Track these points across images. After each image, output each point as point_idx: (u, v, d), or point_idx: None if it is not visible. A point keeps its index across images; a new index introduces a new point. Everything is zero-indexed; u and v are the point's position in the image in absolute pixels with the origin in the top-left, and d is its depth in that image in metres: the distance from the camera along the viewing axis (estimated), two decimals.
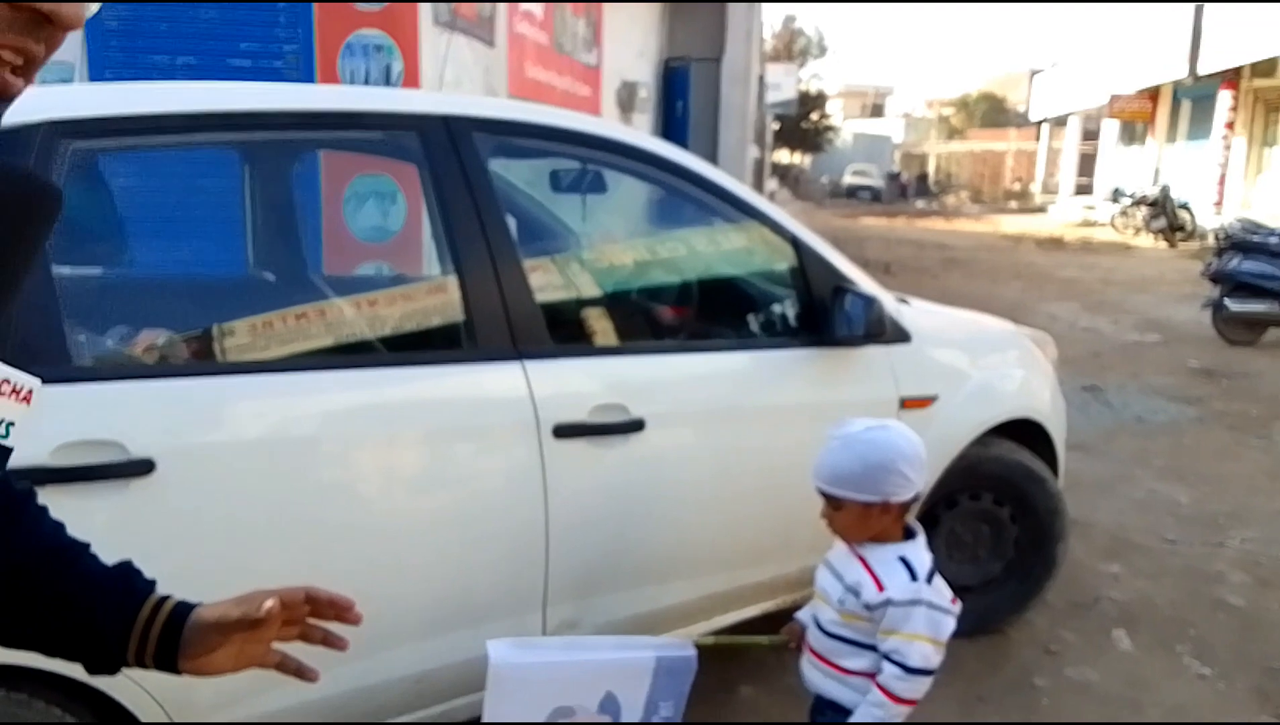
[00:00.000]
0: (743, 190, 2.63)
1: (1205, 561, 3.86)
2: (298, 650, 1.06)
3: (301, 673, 1.07)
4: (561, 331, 2.33)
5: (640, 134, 2.52)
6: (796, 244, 2.62)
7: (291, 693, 1.89)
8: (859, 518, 1.80)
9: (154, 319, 2.14)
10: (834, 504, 1.83)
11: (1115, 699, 2.87)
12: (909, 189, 38.47)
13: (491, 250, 2.17)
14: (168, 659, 1.00)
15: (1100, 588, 3.60)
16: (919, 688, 1.75)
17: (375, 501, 1.98)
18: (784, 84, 21.31)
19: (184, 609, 1.02)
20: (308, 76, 4.63)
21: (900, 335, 2.78)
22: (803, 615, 2.01)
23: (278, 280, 2.99)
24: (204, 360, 2.03)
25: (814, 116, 39.48)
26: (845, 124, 48.22)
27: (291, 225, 3.18)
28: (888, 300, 2.72)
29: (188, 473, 1.74)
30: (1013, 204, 33.06)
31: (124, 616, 1.00)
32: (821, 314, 2.59)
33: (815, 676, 1.90)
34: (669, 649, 1.82)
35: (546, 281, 2.52)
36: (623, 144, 2.47)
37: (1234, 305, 8.26)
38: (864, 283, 2.68)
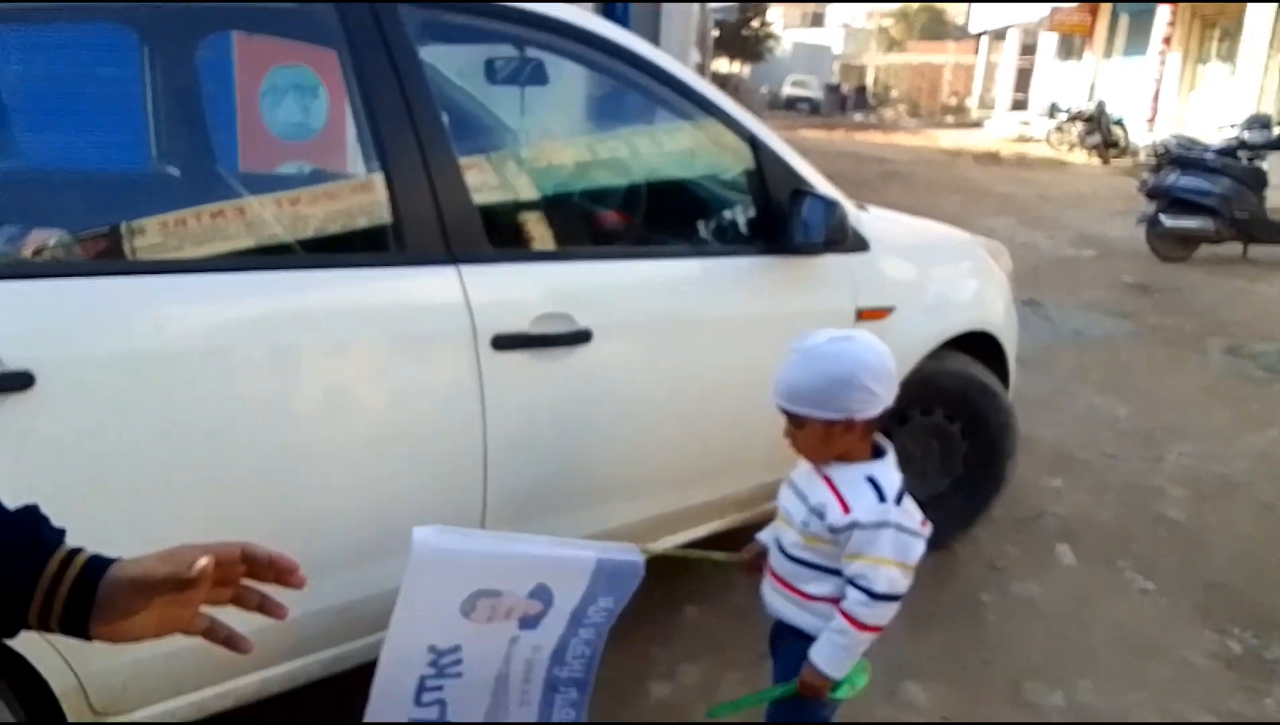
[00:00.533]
0: (698, 82, 2.42)
1: (1145, 476, 3.88)
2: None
3: (233, 642, 0.94)
4: (500, 235, 2.13)
5: (586, 14, 2.28)
6: (754, 143, 2.43)
7: None
8: (822, 437, 1.67)
9: (44, 217, 1.90)
10: (796, 423, 1.69)
11: (1061, 615, 2.85)
12: (848, 101, 38.16)
13: (422, 143, 1.95)
14: (77, 622, 0.85)
15: (1043, 503, 3.59)
16: (885, 614, 1.64)
17: (295, 419, 1.78)
18: None
19: (99, 564, 0.87)
20: None
21: (859, 243, 2.64)
22: (764, 536, 1.89)
23: (185, 176, 2.72)
24: (101, 260, 1.80)
25: (754, 24, 38.69)
26: (785, 33, 47.42)
27: (200, 118, 2.88)
28: (848, 206, 2.57)
29: (73, 387, 1.53)
30: (949, 118, 33.06)
31: (26, 570, 0.85)
32: (779, 219, 2.43)
33: (776, 601, 1.80)
34: (614, 552, 1.69)
35: (483, 182, 2.31)
36: (568, 25, 2.22)
37: (1169, 221, 8.31)
38: (823, 186, 2.51)
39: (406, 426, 1.90)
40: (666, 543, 2.49)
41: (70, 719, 1.63)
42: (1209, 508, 3.61)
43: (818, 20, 56.88)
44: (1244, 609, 2.91)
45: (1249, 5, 17.14)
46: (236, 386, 1.71)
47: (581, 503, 2.23)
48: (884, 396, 1.65)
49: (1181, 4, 19.41)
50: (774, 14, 37.16)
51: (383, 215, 1.96)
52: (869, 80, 44.79)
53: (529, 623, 1.70)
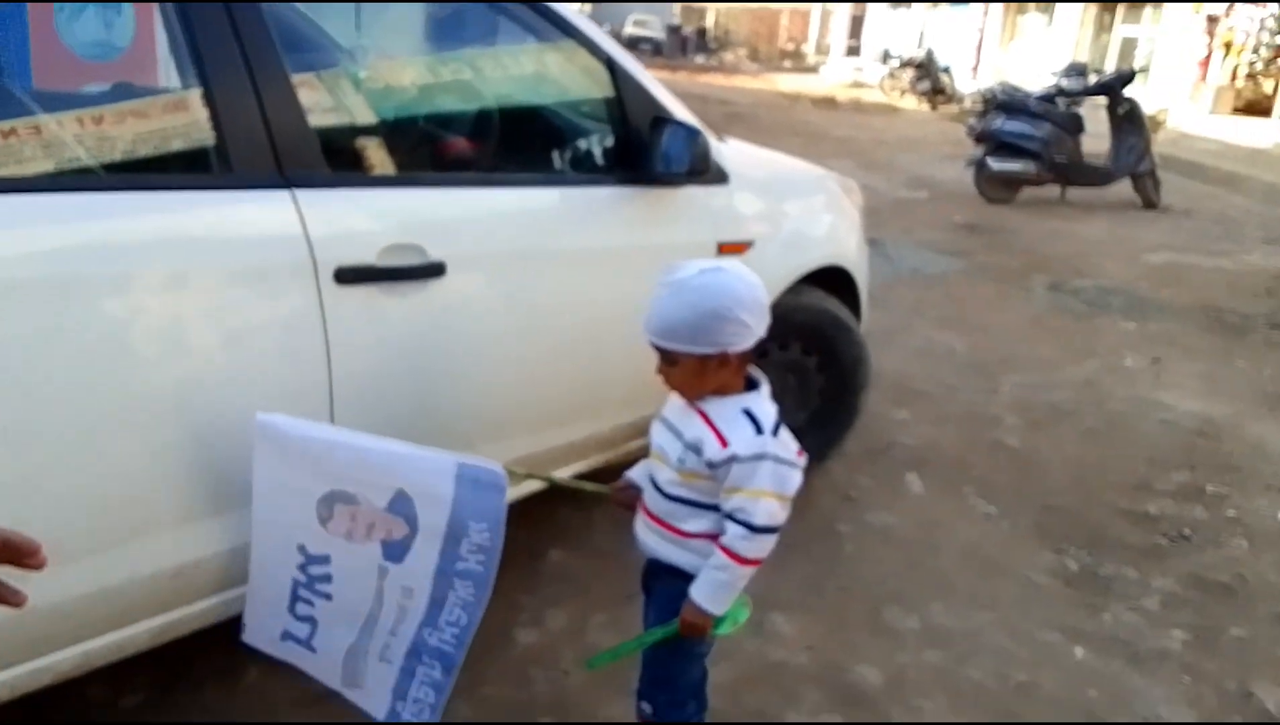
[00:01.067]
0: (559, 5, 2.27)
1: (982, 406, 4.05)
2: None
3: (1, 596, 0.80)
4: (341, 160, 1.95)
5: None
6: (612, 67, 2.32)
7: None
8: (696, 372, 1.60)
9: None
10: (668, 359, 1.62)
11: (913, 542, 2.93)
12: (689, 44, 38.21)
13: (247, 55, 1.74)
14: None
15: (891, 434, 3.69)
16: (765, 547, 1.60)
17: (108, 363, 1.56)
18: None
19: None
20: None
21: (719, 176, 2.58)
22: (634, 474, 1.82)
23: None
24: None
25: None
26: None
27: None
28: (709, 138, 2.49)
29: None
30: (787, 63, 33.64)
31: None
32: (639, 148, 2.33)
33: (651, 540, 1.73)
34: (474, 460, 1.61)
35: (318, 102, 2.10)
36: None
37: (995, 164, 8.70)
38: (684, 115, 2.43)
39: (242, 368, 1.71)
40: (526, 488, 2.40)
41: None
42: (1041, 434, 3.80)
43: None
44: (1078, 528, 3.08)
45: None
46: (35, 326, 1.48)
47: (435, 447, 2.10)
48: (756, 328, 1.60)
49: None
50: None
51: (203, 134, 1.74)
52: (709, 23, 45.00)
53: (394, 551, 1.61)
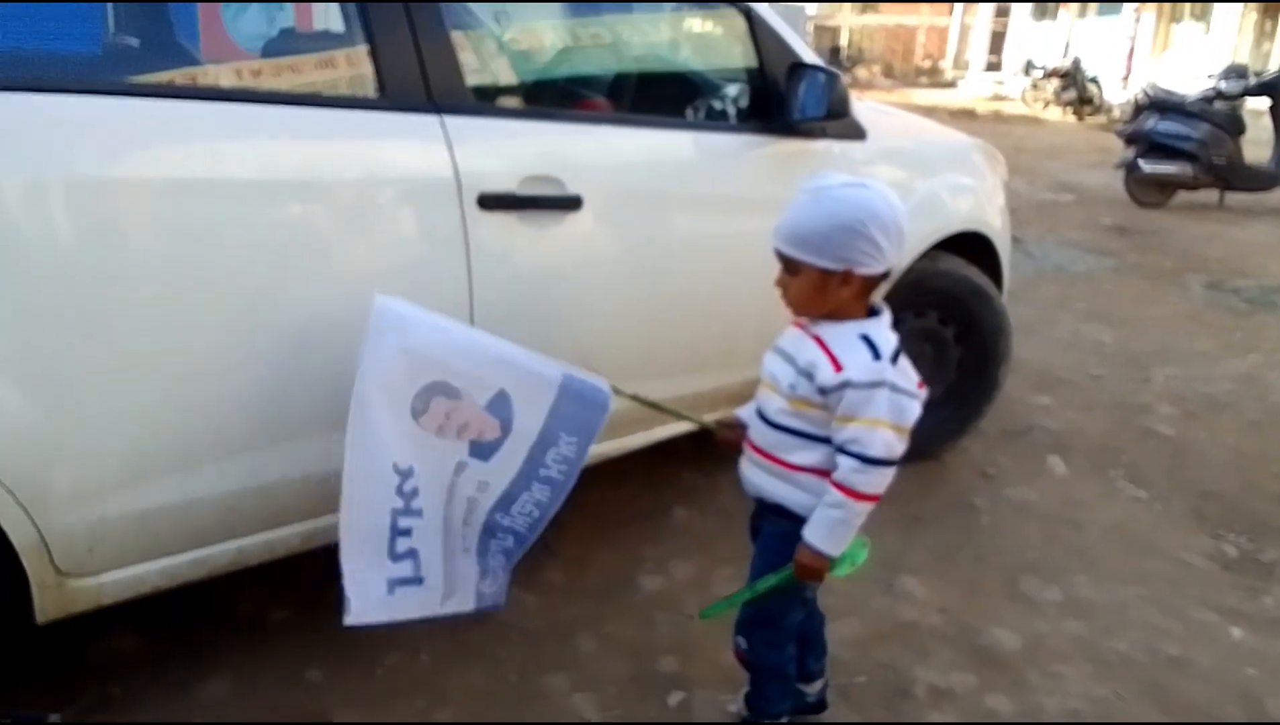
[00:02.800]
0: None
1: (1132, 395, 3.84)
2: None
3: None
4: (487, 95, 2.02)
5: None
6: (750, 16, 2.32)
7: (175, 485, 1.62)
8: (816, 287, 1.53)
9: None
10: (790, 269, 1.55)
11: (1054, 518, 2.81)
12: (823, 61, 37.94)
13: (409, 9, 1.82)
14: None
15: (1032, 418, 3.54)
16: (881, 481, 1.53)
17: (276, 269, 1.66)
18: None
19: None
20: None
21: (855, 131, 2.55)
22: (743, 413, 1.76)
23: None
24: None
25: None
26: None
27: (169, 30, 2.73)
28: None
29: None
30: (924, 79, 32.94)
31: None
32: (776, 98, 2.33)
33: (756, 475, 1.67)
34: (582, 374, 1.62)
35: (466, 60, 2.18)
36: None
37: (1147, 166, 8.28)
38: (821, 63, 2.41)
39: (392, 283, 1.77)
40: (653, 435, 2.42)
41: (33, 580, 1.52)
42: (1197, 424, 3.58)
43: None
44: (1238, 515, 2.88)
45: None
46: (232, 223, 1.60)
47: None
48: (889, 253, 1.52)
49: None
50: None
51: (362, 66, 1.83)
52: (843, 41, 44.54)
53: (481, 450, 1.61)
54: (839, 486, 1.52)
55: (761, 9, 2.35)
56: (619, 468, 2.44)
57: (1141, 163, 8.29)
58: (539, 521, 1.67)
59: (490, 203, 1.85)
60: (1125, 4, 19.62)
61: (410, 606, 1.70)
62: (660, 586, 2.36)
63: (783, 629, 1.73)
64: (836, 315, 1.57)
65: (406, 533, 1.63)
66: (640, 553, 2.49)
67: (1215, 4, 17.65)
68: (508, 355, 1.61)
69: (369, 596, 1.64)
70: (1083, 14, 23.33)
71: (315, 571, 1.81)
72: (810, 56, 2.40)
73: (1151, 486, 3.04)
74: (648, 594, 2.33)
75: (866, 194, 1.52)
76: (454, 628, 2.06)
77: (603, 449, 2.30)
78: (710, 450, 1.90)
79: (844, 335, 1.55)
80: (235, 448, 1.66)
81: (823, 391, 1.53)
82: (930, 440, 3.03)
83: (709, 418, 2.48)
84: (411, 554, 1.66)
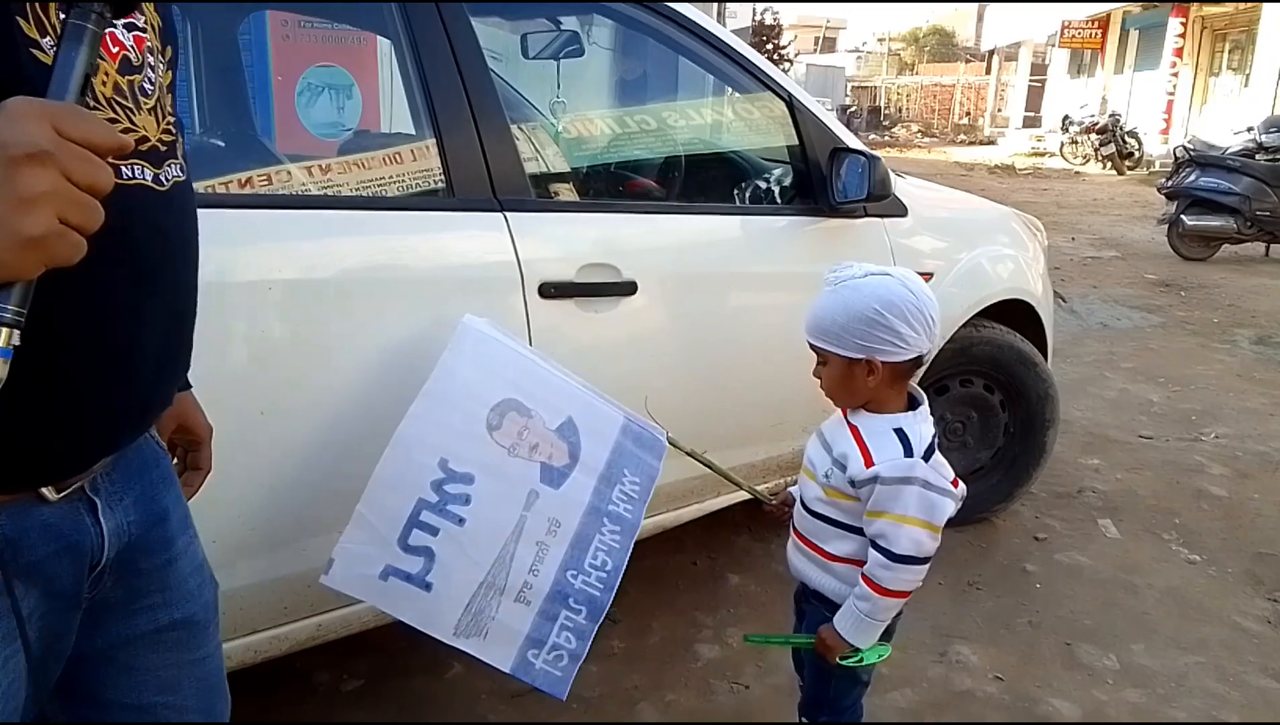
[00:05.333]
0: (738, 43, 2.43)
1: (1183, 455, 3.84)
2: None
3: None
4: (546, 190, 2.15)
5: None
6: (791, 104, 2.44)
7: (264, 565, 1.72)
8: (843, 376, 1.55)
9: None
10: (821, 359, 1.59)
11: (1108, 582, 2.81)
12: (860, 120, 38.28)
13: (473, 108, 1.96)
14: None
15: (1082, 480, 3.55)
16: (909, 578, 1.52)
17: (337, 360, 1.78)
18: (739, 12, 20.92)
19: None
20: None
21: (897, 208, 2.64)
22: (795, 489, 1.80)
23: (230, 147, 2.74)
24: None
25: (769, 47, 38.95)
26: (799, 58, 47.69)
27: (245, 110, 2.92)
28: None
29: None
30: (962, 137, 33.07)
31: None
32: (819, 180, 2.43)
33: (798, 561, 1.69)
34: (640, 419, 1.70)
35: (523, 150, 2.32)
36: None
37: (1190, 220, 8.27)
38: (861, 146, 2.51)
39: None
40: (708, 506, 2.48)
41: None
42: (1250, 484, 3.56)
43: (829, 45, 57.16)
44: None
45: (1263, 16, 17.14)
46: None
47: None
48: (913, 342, 1.52)
49: (1192, 15, 19.43)
50: (787, 38, 37.35)
51: (432, 165, 1.97)
52: (881, 101, 44.95)
53: (551, 476, 1.61)
54: (867, 581, 1.54)
55: (803, 95, 2.46)
56: (675, 535, 2.51)
57: (1185, 218, 8.29)
58: (613, 574, 1.62)
59: (550, 291, 1.96)
60: (1163, 59, 19.63)
61: (400, 605, 1.57)
62: (718, 655, 2.41)
63: (845, 709, 1.76)
64: (874, 406, 1.59)
65: (429, 529, 1.54)
66: (698, 620, 2.54)
67: (1255, 57, 17.61)
68: (574, 386, 1.70)
69: (354, 569, 1.55)
70: (1119, 70, 23.39)
71: (386, 643, 1.89)
72: (852, 141, 2.50)
73: (1205, 549, 3.04)
74: (707, 662, 2.38)
75: (885, 282, 1.53)
76: (520, 697, 2.13)
77: (660, 520, 2.37)
78: (764, 517, 1.97)
79: (878, 428, 1.56)
80: (317, 529, 1.76)
81: (854, 483, 1.54)
82: (980, 505, 3.07)
83: (761, 488, 2.57)
84: (426, 553, 1.55)
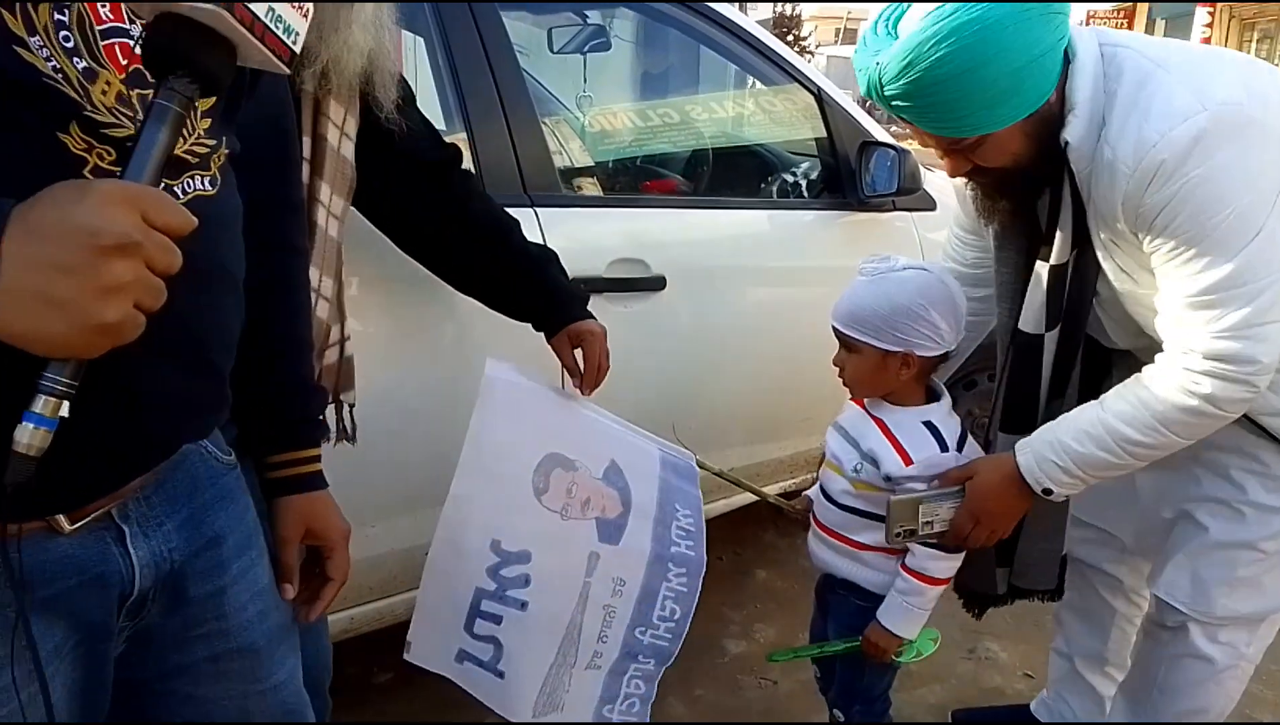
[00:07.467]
0: (767, 37, 2.42)
1: None
2: None
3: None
4: (574, 185, 2.15)
5: None
6: (820, 98, 2.43)
7: None
8: (875, 368, 1.55)
9: None
10: (849, 348, 1.58)
11: None
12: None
13: (504, 103, 1.96)
14: None
15: None
16: (953, 566, 1.58)
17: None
18: (760, 4, 20.86)
19: None
20: None
21: (926, 202, 2.63)
22: (813, 492, 1.79)
23: None
24: None
25: (789, 38, 38.83)
26: (819, 50, 47.48)
27: None
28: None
29: None
30: None
31: None
32: (848, 173, 2.42)
33: (825, 553, 1.68)
34: (666, 446, 1.65)
35: (554, 146, 2.33)
36: None
37: None
38: (889, 139, 2.50)
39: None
40: (736, 501, 2.48)
41: None
42: None
43: (850, 36, 56.84)
44: None
45: None
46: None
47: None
48: (948, 337, 1.53)
49: (1220, 6, 19.19)
50: (807, 29, 37.22)
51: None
52: None
53: (608, 531, 1.51)
54: (915, 573, 1.56)
55: (831, 88, 2.46)
56: None
57: None
58: (682, 621, 1.54)
59: (580, 287, 1.96)
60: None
61: (480, 687, 1.51)
62: (745, 650, 2.41)
63: (877, 696, 1.77)
64: (896, 398, 1.59)
65: (493, 618, 1.48)
66: (725, 615, 2.54)
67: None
68: (608, 423, 1.61)
69: (432, 645, 1.49)
70: None
71: None
72: (880, 133, 2.49)
73: None
74: (734, 657, 2.38)
75: (927, 277, 1.54)
76: None
77: None
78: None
79: (908, 423, 1.57)
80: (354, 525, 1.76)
81: (889, 479, 1.55)
82: None
83: (790, 483, 2.57)
84: (493, 642, 1.49)
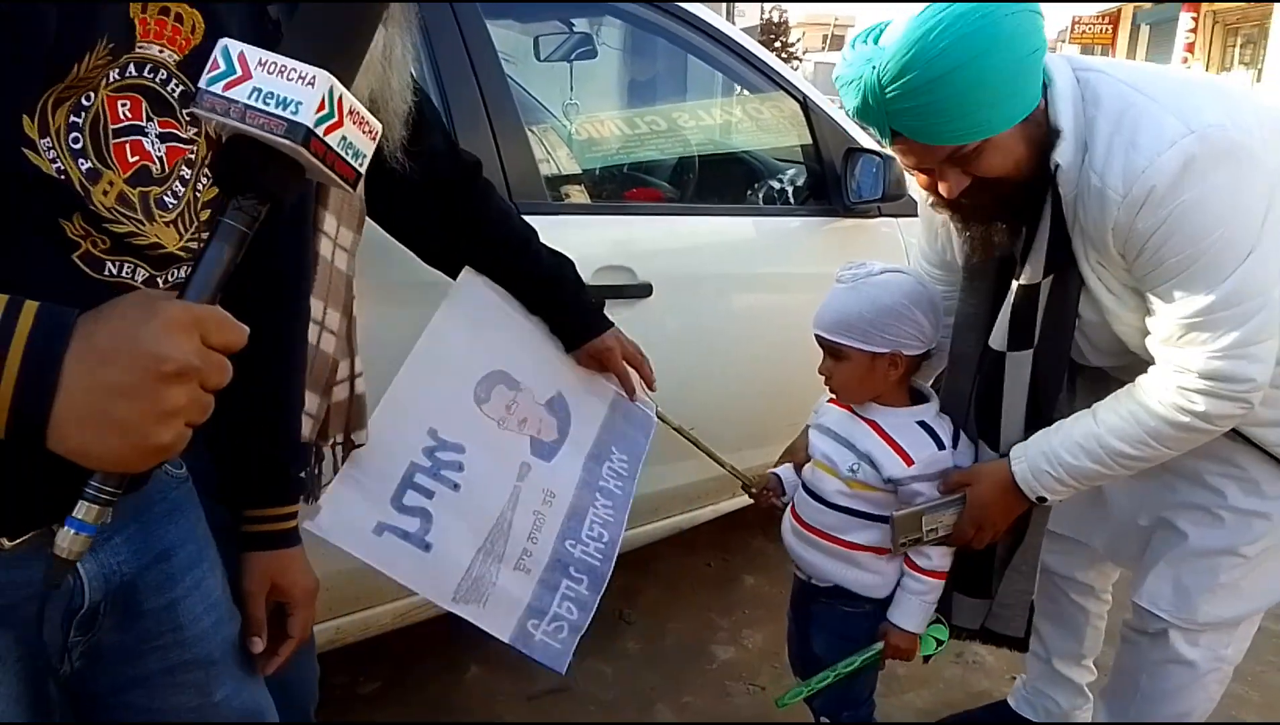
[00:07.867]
0: (753, 45, 2.43)
1: None
2: None
3: None
4: (559, 195, 2.15)
5: None
6: (806, 106, 2.44)
7: None
8: (865, 372, 1.58)
9: None
10: (835, 355, 1.60)
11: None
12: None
13: (488, 110, 1.96)
14: None
15: None
16: (952, 554, 1.63)
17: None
18: (748, 10, 20.94)
19: None
20: None
21: (911, 208, 2.63)
22: (784, 473, 1.82)
23: None
24: None
25: (777, 45, 38.96)
26: (806, 56, 47.65)
27: None
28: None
29: None
30: None
31: None
32: (834, 181, 2.43)
33: (814, 557, 1.67)
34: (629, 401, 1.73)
35: (540, 153, 2.33)
36: None
37: None
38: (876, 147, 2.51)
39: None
40: (723, 507, 2.49)
41: None
42: None
43: (837, 43, 57.11)
44: None
45: (1275, 11, 17.06)
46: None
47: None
48: (930, 334, 1.58)
49: (1203, 11, 19.33)
50: (795, 35, 37.35)
51: None
52: None
53: (542, 449, 1.60)
54: (924, 571, 1.59)
55: (817, 96, 2.47)
56: (689, 536, 2.52)
57: None
58: (611, 544, 1.58)
59: None
60: (1174, 54, 19.55)
61: (396, 563, 1.41)
62: (734, 656, 2.41)
63: (864, 702, 1.79)
64: (885, 401, 1.62)
65: (424, 492, 1.46)
66: (713, 622, 2.55)
67: (1268, 51, 17.53)
68: (566, 362, 1.69)
69: (346, 520, 1.39)
70: (1131, 56, 23.32)
71: (403, 645, 1.90)
72: (866, 140, 2.50)
73: None
74: (722, 664, 2.38)
75: (906, 278, 1.59)
76: (536, 699, 2.14)
77: (674, 521, 2.39)
78: (779, 519, 1.97)
79: (903, 424, 1.60)
80: None
81: (890, 481, 1.58)
82: None
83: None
84: (422, 514, 1.45)
